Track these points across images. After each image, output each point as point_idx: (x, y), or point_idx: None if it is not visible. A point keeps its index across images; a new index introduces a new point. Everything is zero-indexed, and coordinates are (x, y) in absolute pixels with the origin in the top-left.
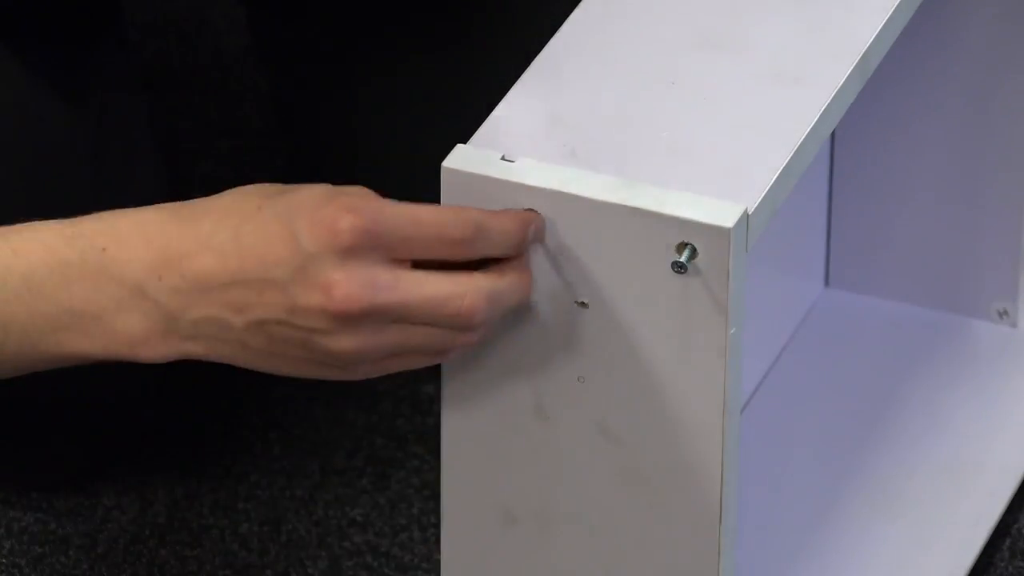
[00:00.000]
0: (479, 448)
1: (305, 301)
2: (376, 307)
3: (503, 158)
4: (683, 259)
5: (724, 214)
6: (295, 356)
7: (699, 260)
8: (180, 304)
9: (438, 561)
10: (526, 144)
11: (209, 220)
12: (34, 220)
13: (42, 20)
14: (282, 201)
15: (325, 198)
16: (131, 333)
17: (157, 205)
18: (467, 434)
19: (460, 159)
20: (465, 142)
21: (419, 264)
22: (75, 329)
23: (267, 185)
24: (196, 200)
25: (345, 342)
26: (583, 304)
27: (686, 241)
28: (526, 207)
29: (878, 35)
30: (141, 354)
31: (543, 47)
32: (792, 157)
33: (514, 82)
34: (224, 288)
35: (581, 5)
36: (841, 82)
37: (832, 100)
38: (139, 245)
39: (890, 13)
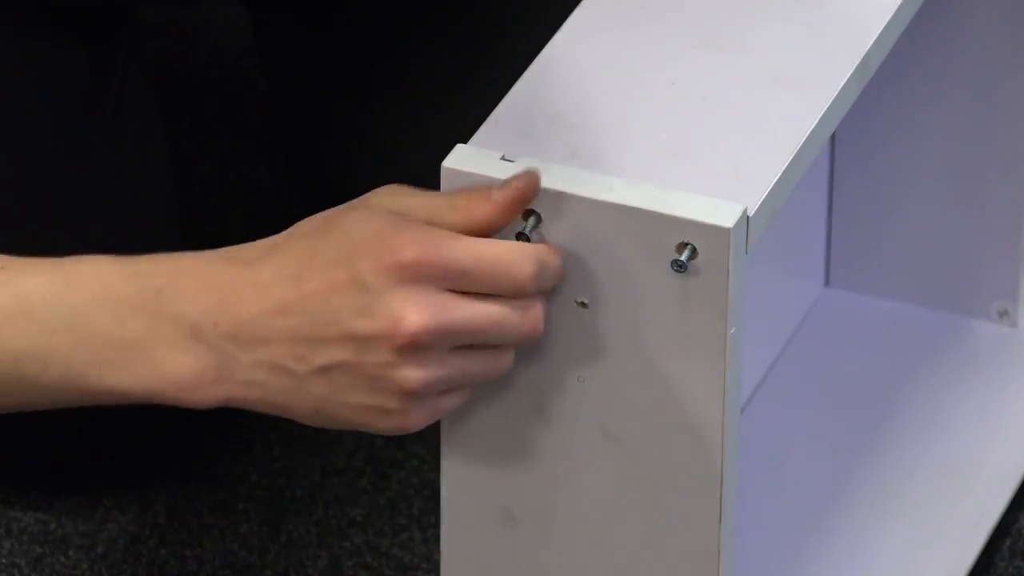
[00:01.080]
0: (479, 448)
1: (372, 337)
2: (442, 328)
3: (503, 158)
4: (683, 258)
5: (724, 214)
6: (355, 403)
7: (699, 260)
8: (236, 351)
9: (438, 561)
10: (526, 144)
11: (267, 270)
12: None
13: (57, 14)
14: (334, 241)
15: (384, 232)
16: (180, 375)
17: (217, 250)
18: (467, 434)
19: (460, 159)
20: (465, 142)
21: None
22: (119, 364)
23: (313, 220)
24: (249, 245)
25: (412, 374)
26: (583, 304)
27: (686, 241)
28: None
29: (878, 38)
30: (187, 397)
31: (543, 47)
32: (792, 159)
33: (514, 82)
34: (287, 338)
35: (581, 5)
36: (841, 84)
37: (832, 103)
38: (196, 288)
39: (891, 15)
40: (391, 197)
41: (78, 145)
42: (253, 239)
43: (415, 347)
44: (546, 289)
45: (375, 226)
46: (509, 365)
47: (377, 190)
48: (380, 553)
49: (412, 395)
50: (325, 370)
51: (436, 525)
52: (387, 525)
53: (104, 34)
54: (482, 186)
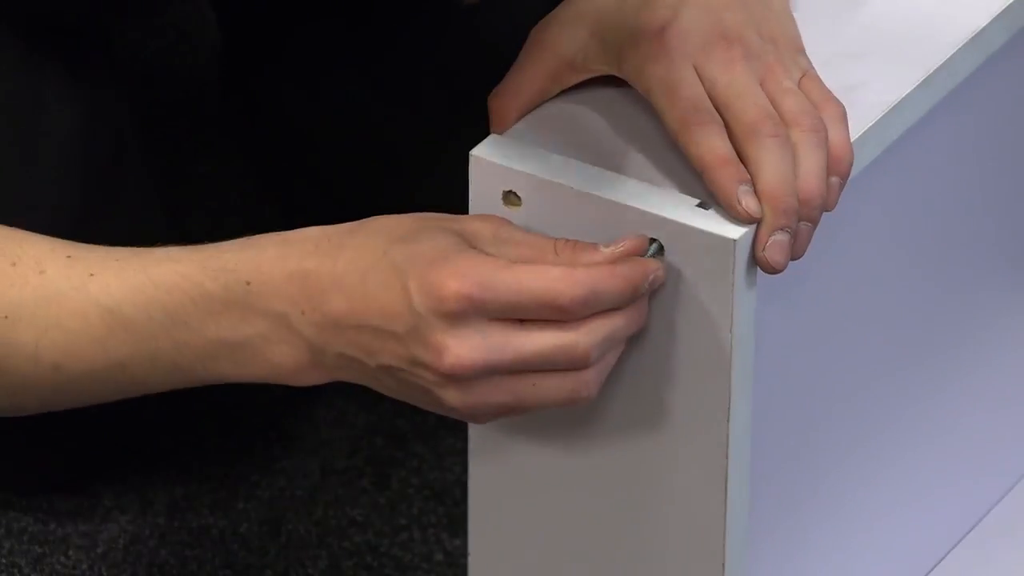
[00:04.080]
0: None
1: (419, 358)
2: (488, 366)
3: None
4: (649, 253)
5: (730, 225)
6: (419, 398)
7: (704, 269)
8: (322, 339)
9: (438, 561)
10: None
11: (344, 258)
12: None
13: (30, 17)
14: (403, 250)
15: (438, 258)
16: (282, 365)
17: (303, 233)
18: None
19: (490, 149)
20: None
21: None
22: (222, 358)
23: (403, 220)
24: (337, 230)
25: (456, 399)
26: None
27: (654, 237)
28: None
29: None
30: (293, 382)
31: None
32: None
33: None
34: (354, 330)
35: None
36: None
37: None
38: (281, 279)
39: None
40: (495, 225)
41: (54, 142)
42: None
43: (456, 378)
44: (612, 307)
45: (435, 246)
46: (585, 392)
47: (482, 216)
48: (380, 553)
49: (458, 413)
50: (388, 368)
51: (436, 525)
52: (387, 525)
53: (76, 32)
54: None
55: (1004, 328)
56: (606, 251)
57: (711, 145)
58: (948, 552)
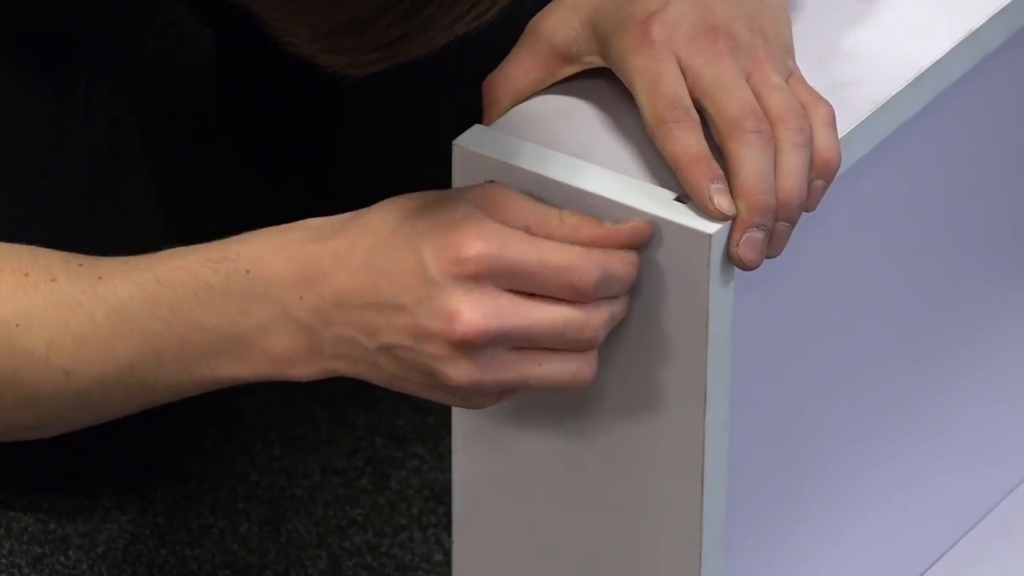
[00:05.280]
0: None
1: (428, 328)
2: (498, 332)
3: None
4: None
5: (707, 220)
6: (419, 381)
7: (681, 263)
8: (320, 323)
9: (438, 561)
10: (538, 132)
11: (346, 239)
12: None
13: (26, 18)
14: (414, 224)
15: (454, 224)
16: (280, 353)
17: (304, 222)
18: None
19: (473, 139)
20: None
21: None
22: (228, 353)
23: (411, 198)
24: (340, 217)
25: (464, 370)
26: None
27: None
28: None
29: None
30: (291, 373)
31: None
32: None
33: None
34: (358, 309)
35: None
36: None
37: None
38: (281, 265)
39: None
40: (499, 191)
41: (52, 142)
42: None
43: (467, 346)
44: (612, 295)
45: (451, 214)
46: (586, 375)
47: (488, 183)
48: (380, 553)
49: (461, 391)
50: (388, 348)
51: (436, 525)
52: (387, 525)
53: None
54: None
55: (1001, 328)
56: (611, 226)
57: (685, 142)
58: (941, 556)
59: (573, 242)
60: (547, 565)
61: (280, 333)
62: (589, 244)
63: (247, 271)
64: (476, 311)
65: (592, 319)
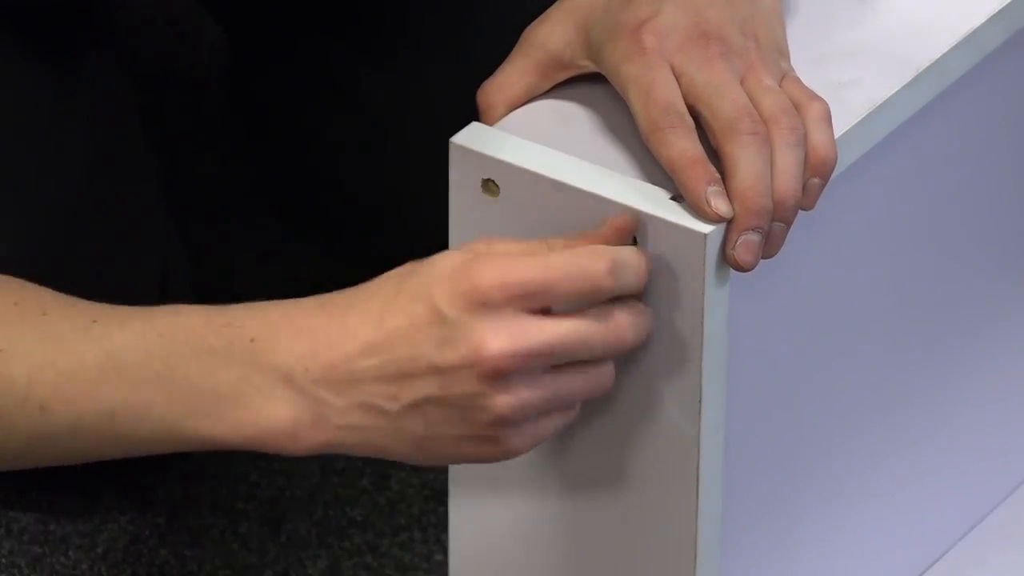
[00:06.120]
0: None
1: (455, 367)
2: (523, 351)
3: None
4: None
5: (702, 219)
6: (452, 435)
7: (676, 263)
8: (329, 394)
9: (438, 561)
10: (535, 132)
11: (355, 311)
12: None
13: (30, 13)
14: (417, 278)
15: (460, 263)
16: (277, 424)
17: (310, 297)
18: None
19: (470, 137)
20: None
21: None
22: (215, 416)
23: (407, 265)
24: (340, 292)
25: (501, 402)
26: None
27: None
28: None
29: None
30: (287, 446)
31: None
32: None
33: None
34: (374, 374)
35: None
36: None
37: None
38: (287, 336)
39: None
40: (485, 242)
41: (56, 139)
42: (249, 235)
43: (500, 373)
44: (630, 288)
45: (453, 259)
46: (610, 380)
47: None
48: (380, 553)
49: (505, 421)
50: (416, 406)
51: (436, 525)
52: (387, 525)
53: (77, 29)
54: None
55: (999, 328)
56: (594, 232)
57: (681, 147)
58: (941, 556)
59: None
60: (543, 564)
61: (281, 402)
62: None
63: (251, 339)
64: (500, 336)
65: (613, 322)
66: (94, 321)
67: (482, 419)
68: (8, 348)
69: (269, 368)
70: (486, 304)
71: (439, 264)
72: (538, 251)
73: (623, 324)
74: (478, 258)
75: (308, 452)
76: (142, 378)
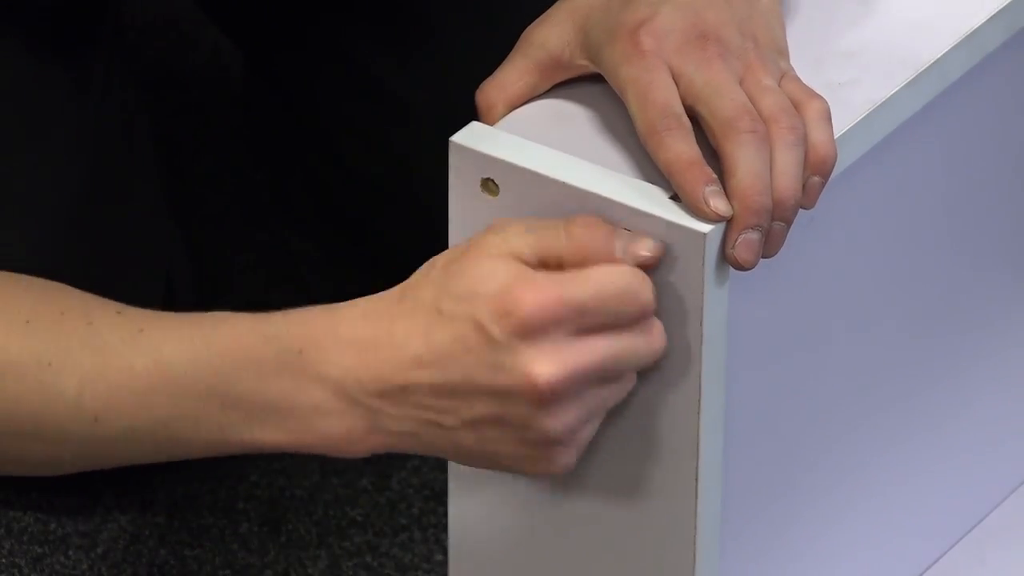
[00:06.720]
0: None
1: (510, 391)
2: (573, 375)
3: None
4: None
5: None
6: (505, 452)
7: (675, 263)
8: (384, 406)
9: (438, 561)
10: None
11: (399, 324)
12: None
13: (40, 16)
14: (456, 293)
15: (505, 286)
16: (332, 434)
17: (345, 305)
18: None
19: (470, 136)
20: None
21: None
22: (271, 423)
23: (435, 267)
24: (379, 297)
25: (555, 423)
26: None
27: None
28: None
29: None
30: (343, 451)
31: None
32: None
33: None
34: (429, 393)
35: None
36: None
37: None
38: (336, 348)
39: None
40: (502, 239)
41: (63, 136)
42: (250, 242)
43: (553, 398)
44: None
45: (498, 279)
46: (634, 381)
47: (490, 231)
48: (380, 553)
49: (556, 442)
50: (473, 423)
51: (436, 525)
52: (387, 525)
53: (85, 27)
54: (601, 222)
55: (1000, 328)
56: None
57: (678, 150)
58: (941, 556)
59: (586, 257)
60: (542, 564)
61: (336, 415)
62: (603, 259)
63: (299, 351)
64: (552, 363)
65: (652, 334)
66: (140, 330)
67: (534, 439)
68: (56, 361)
69: (320, 380)
70: (534, 328)
71: (478, 281)
72: (548, 245)
73: (660, 333)
74: (521, 280)
75: (367, 454)
76: (195, 390)
